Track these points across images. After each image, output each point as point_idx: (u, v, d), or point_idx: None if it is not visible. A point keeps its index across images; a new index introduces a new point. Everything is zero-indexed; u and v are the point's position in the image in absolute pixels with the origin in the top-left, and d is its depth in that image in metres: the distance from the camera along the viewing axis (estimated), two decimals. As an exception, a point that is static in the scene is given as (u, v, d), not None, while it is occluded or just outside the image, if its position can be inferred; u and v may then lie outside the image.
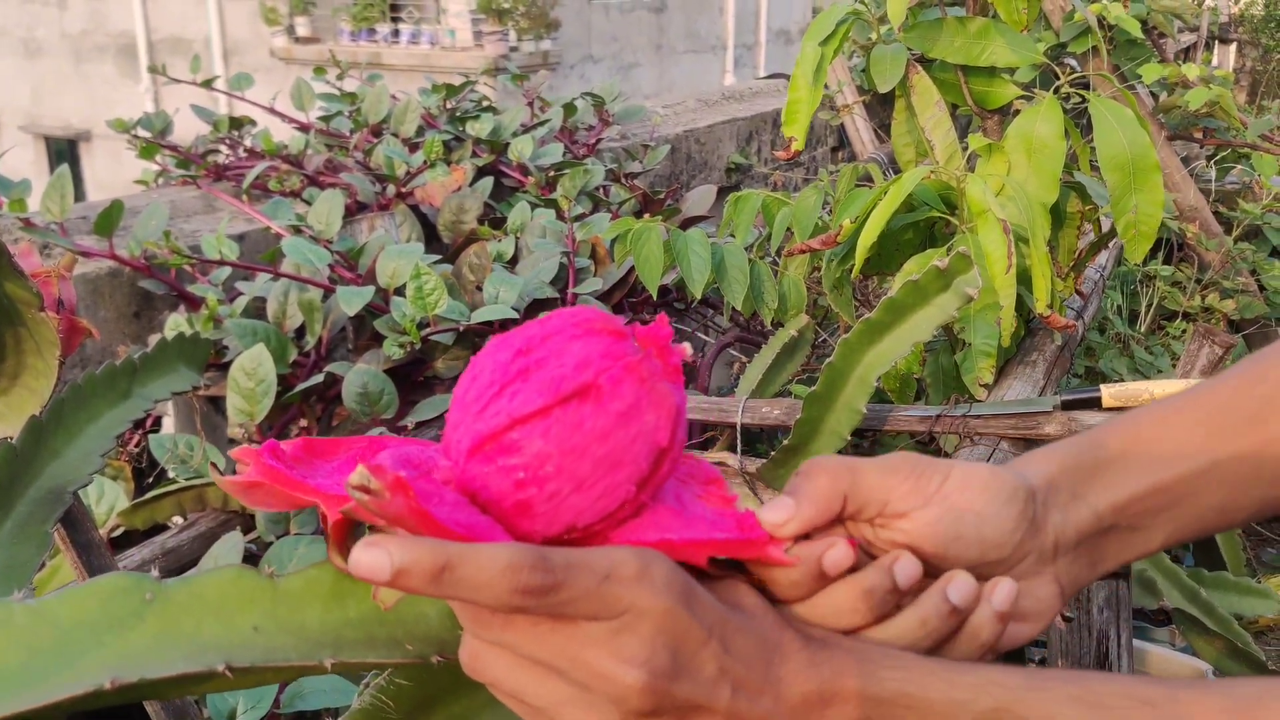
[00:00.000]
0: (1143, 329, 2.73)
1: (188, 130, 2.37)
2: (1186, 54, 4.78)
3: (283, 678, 0.52)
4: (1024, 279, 1.48)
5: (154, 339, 1.51)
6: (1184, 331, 2.80)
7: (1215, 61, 5.93)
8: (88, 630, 0.49)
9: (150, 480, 1.55)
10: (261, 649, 0.50)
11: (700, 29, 8.67)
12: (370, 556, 0.40)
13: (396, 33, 11.11)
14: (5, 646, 0.48)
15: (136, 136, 2.30)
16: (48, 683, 0.47)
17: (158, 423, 1.77)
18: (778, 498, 0.49)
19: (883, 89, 1.58)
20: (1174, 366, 2.46)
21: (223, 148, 2.36)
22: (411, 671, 0.56)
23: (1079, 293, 1.74)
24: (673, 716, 0.43)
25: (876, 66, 1.59)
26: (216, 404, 1.70)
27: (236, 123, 2.39)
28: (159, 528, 1.28)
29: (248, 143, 2.37)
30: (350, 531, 0.51)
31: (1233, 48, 6.47)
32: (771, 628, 0.46)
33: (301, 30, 11.05)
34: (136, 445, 1.57)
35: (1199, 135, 2.94)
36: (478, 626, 0.44)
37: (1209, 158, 3.20)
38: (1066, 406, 1.27)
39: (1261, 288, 2.90)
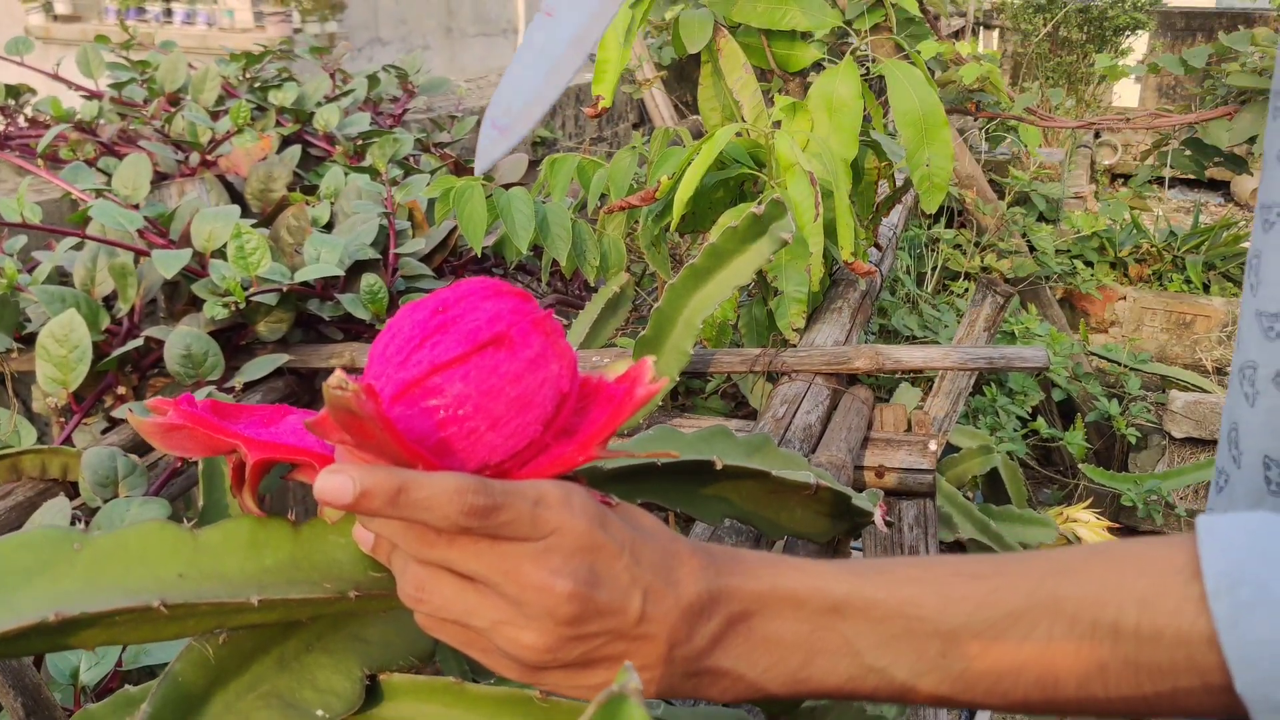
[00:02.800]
0: (929, 289, 2.91)
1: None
2: (956, 37, 5.08)
3: (213, 619, 0.53)
4: (829, 232, 1.57)
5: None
6: (966, 290, 3.00)
7: (981, 45, 6.32)
8: (21, 575, 0.51)
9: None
10: (190, 591, 0.52)
11: (490, 12, 8.58)
12: (335, 481, 0.45)
13: (169, 11, 10.50)
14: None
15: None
16: None
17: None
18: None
19: (692, 50, 1.63)
20: (959, 322, 2.64)
21: (-1, 116, 2.23)
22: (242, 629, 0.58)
23: (876, 245, 1.85)
24: (595, 623, 0.48)
25: (685, 30, 1.65)
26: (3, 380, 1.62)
27: (14, 91, 2.25)
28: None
29: (29, 111, 2.24)
30: (262, 478, 0.54)
31: (996, 33, 6.92)
32: (668, 541, 0.52)
33: (61, 7, 10.33)
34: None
35: (972, 109, 3.14)
36: (423, 547, 0.48)
37: (981, 130, 3.43)
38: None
39: (1032, 248, 3.14)
